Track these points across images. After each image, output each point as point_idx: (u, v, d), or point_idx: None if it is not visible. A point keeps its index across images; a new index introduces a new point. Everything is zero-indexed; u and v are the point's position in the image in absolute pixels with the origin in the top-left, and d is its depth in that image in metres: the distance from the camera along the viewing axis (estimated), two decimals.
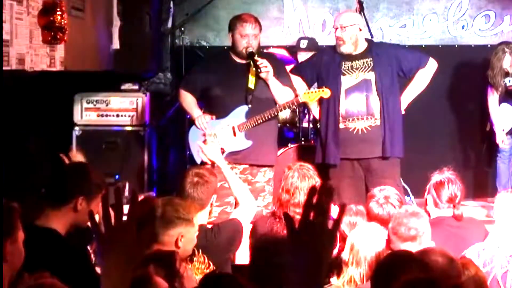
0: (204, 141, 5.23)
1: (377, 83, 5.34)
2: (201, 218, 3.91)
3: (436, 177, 4.23)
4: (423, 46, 7.31)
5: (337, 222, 1.81)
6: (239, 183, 4.37)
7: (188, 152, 5.66)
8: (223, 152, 5.25)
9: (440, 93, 7.22)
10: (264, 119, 5.28)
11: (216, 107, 5.39)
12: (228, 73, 5.37)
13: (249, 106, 5.30)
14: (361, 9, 6.63)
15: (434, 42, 7.45)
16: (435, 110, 7.32)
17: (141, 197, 4.69)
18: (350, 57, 5.41)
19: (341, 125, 5.36)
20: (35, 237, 2.97)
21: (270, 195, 5.37)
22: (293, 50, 7.03)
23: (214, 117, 5.36)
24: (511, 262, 3.73)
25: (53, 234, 3.08)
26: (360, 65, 5.39)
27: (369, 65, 5.38)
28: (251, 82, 5.33)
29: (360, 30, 5.49)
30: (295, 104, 5.42)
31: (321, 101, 5.47)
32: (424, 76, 5.49)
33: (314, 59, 5.74)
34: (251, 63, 5.29)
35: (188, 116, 5.73)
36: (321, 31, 7.56)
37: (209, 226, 4.05)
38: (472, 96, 7.28)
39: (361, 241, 3.55)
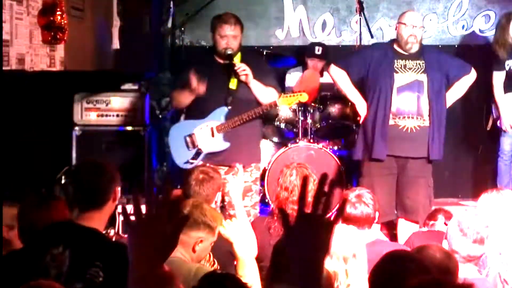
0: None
1: (429, 85, 5.39)
2: None
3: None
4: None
5: (338, 214, 1.78)
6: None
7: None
8: (201, 153, 5.24)
9: None
10: (242, 121, 5.23)
11: (197, 108, 5.35)
12: (210, 74, 5.32)
13: (229, 107, 5.27)
14: (361, 9, 6.63)
15: (434, 42, 7.43)
16: None
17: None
18: (403, 56, 5.45)
19: (391, 122, 5.38)
20: (83, 236, 2.98)
21: (257, 195, 5.38)
22: (302, 53, 7.02)
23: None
24: (504, 264, 3.72)
25: (99, 235, 3.09)
26: (413, 66, 5.43)
27: (422, 67, 5.42)
28: (233, 83, 5.30)
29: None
30: (273, 107, 5.40)
31: (372, 96, 5.44)
32: (466, 83, 5.62)
33: (363, 55, 5.71)
34: (230, 65, 5.26)
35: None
36: (321, 31, 7.56)
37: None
38: (472, 96, 7.26)
39: (336, 242, 3.47)
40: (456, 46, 7.44)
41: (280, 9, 7.58)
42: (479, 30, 7.46)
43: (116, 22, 7.53)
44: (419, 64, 5.43)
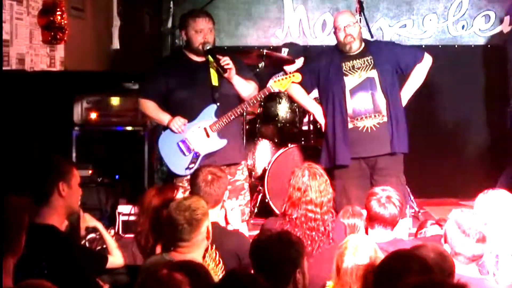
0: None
1: (381, 80, 5.36)
2: (215, 214, 4.00)
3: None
4: (423, 46, 7.31)
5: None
6: None
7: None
8: (198, 156, 5.19)
9: (440, 93, 7.22)
10: (236, 114, 5.19)
11: (182, 111, 5.18)
12: (188, 74, 5.21)
13: (218, 104, 5.17)
14: (361, 9, 6.63)
15: (434, 42, 7.45)
16: (434, 110, 7.32)
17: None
18: (350, 57, 5.42)
19: (350, 125, 5.36)
20: (35, 234, 3.08)
21: (249, 192, 5.38)
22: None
23: (186, 120, 5.16)
24: (500, 264, 3.72)
25: (51, 229, 3.20)
26: (361, 64, 5.40)
27: (370, 63, 5.39)
28: (214, 80, 5.20)
29: (360, 28, 5.55)
30: (266, 94, 5.34)
31: (326, 103, 5.45)
32: (421, 71, 5.52)
33: (311, 64, 5.70)
34: (212, 60, 5.17)
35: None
36: (321, 31, 7.56)
37: (222, 225, 4.14)
38: (471, 96, 7.28)
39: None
40: (456, 46, 7.45)
41: (280, 9, 7.59)
42: (479, 30, 7.46)
43: (116, 22, 7.53)
44: (367, 61, 5.40)
